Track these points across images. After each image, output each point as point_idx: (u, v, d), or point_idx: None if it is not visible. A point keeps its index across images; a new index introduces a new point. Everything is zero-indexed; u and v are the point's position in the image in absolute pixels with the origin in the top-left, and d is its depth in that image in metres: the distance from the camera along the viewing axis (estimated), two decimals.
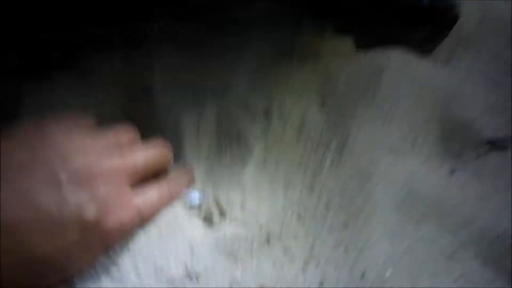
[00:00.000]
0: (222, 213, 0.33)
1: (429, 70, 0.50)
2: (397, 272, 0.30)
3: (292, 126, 0.44)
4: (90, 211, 0.27)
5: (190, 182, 0.36)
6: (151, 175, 0.34)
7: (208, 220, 0.33)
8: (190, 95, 0.49)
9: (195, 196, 0.34)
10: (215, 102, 0.48)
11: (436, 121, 0.44)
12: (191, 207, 0.34)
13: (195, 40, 0.60)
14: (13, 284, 0.25)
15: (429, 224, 0.34)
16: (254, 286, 0.30)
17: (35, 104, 0.44)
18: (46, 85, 0.46)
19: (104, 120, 0.35)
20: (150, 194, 0.32)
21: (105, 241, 0.28)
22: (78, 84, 0.48)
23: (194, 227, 0.32)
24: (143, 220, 0.31)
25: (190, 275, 0.30)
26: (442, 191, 0.37)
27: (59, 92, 0.45)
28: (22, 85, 0.46)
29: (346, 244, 0.32)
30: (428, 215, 0.35)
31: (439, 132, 0.44)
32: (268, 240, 0.32)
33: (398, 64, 0.48)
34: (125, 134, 0.33)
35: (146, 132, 0.44)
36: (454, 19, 0.46)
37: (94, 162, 0.28)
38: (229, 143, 0.42)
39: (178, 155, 0.40)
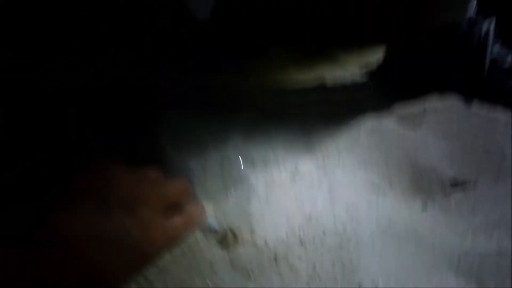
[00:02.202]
0: (235, 237, 0.38)
1: (399, 130, 0.59)
2: (388, 282, 0.35)
3: (287, 171, 0.51)
4: (135, 231, 0.31)
5: (203, 213, 0.42)
6: (176, 205, 0.39)
7: (223, 243, 0.38)
8: (195, 147, 0.56)
9: (213, 222, 0.39)
10: (217, 151, 0.55)
11: (407, 166, 0.53)
12: (211, 231, 0.38)
13: (195, 102, 0.68)
14: None
15: (409, 245, 0.40)
16: None
17: None
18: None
19: None
20: (176, 220, 0.37)
21: (140, 261, 0.33)
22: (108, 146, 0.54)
23: (214, 250, 0.37)
24: (171, 243, 0.36)
25: None
26: (417, 219, 0.44)
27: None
28: None
29: (343, 261, 0.38)
30: (408, 238, 0.41)
31: (410, 175, 0.52)
32: (275, 259, 0.37)
33: (372, 123, 0.58)
34: (153, 172, 0.39)
35: None
36: None
37: (136, 191, 0.34)
38: (234, 184, 0.48)
39: None
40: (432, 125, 0.61)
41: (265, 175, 0.49)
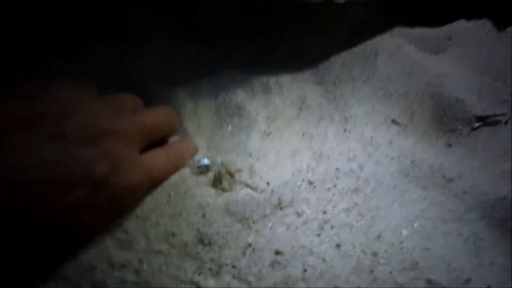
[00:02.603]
0: (231, 177, 0.32)
1: (420, 55, 0.51)
2: (412, 233, 0.30)
3: (292, 100, 0.43)
4: (100, 168, 0.24)
5: (194, 151, 0.34)
6: (157, 140, 0.31)
7: (218, 185, 0.31)
8: (184, 75, 0.48)
9: (203, 159, 0.32)
10: (210, 80, 0.46)
11: (430, 99, 0.45)
12: (200, 169, 0.31)
13: (186, 25, 0.58)
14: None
15: (435, 190, 0.34)
16: (269, 251, 0.28)
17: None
18: (40, 68, 0.43)
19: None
20: (159, 158, 0.30)
21: (114, 203, 0.26)
22: (70, 68, 0.45)
23: (204, 192, 0.30)
24: (152, 183, 0.29)
25: (203, 240, 0.28)
26: (443, 161, 0.37)
27: (51, 75, 0.42)
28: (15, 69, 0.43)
29: (359, 207, 0.32)
30: (434, 182, 0.35)
31: (433, 109, 0.44)
32: (280, 205, 0.31)
33: (392, 47, 0.49)
34: (130, 100, 0.31)
35: None
36: None
37: (103, 120, 0.26)
38: (230, 116, 0.40)
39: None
40: (458, 54, 0.52)
41: (267, 107, 0.41)
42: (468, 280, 0.26)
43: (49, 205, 0.22)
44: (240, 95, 0.43)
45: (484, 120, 0.44)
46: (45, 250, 0.24)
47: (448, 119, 0.44)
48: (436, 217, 0.31)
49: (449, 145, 0.41)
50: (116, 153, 0.25)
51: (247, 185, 0.32)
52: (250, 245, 0.29)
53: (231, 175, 0.32)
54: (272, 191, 0.32)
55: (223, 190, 0.31)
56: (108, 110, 0.27)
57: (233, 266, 0.27)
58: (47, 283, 0.23)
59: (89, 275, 0.23)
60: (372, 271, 0.27)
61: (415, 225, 0.30)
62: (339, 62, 0.47)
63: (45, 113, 0.23)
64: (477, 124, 0.44)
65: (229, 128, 0.38)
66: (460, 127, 0.43)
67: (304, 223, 0.30)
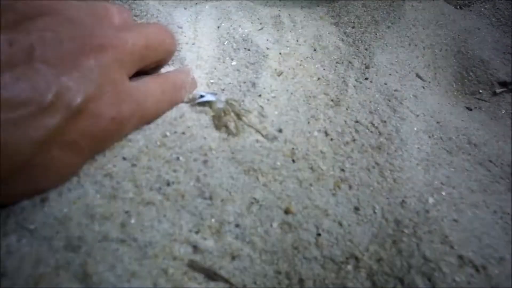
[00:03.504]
0: (238, 119, 0.26)
1: (447, 7, 0.45)
2: (439, 202, 0.26)
3: (306, 39, 0.37)
4: (76, 92, 0.18)
5: (193, 85, 0.28)
6: (150, 64, 0.25)
7: (222, 127, 0.25)
8: None
9: (206, 95, 0.26)
10: (211, 2, 0.39)
11: (454, 56, 0.40)
12: (202, 106, 0.26)
13: None
14: None
15: (461, 156, 0.30)
16: (278, 209, 0.24)
17: None
18: None
19: None
20: (152, 87, 0.23)
21: (95, 138, 0.20)
22: None
23: (206, 134, 0.25)
24: (143, 118, 0.23)
25: (203, 192, 0.23)
26: (467, 125, 0.33)
27: None
28: None
29: (381, 167, 0.27)
30: (460, 146, 0.31)
31: (456, 68, 0.40)
32: (292, 156, 0.26)
33: None
34: (118, 11, 0.24)
35: None
36: None
37: (84, 31, 0.19)
38: (235, 49, 0.34)
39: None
40: (488, 12, 0.47)
41: (278, 43, 0.35)
42: (502, 259, 0.23)
43: (8, 138, 0.16)
44: (247, 26, 0.36)
45: (507, 86, 0.40)
46: (5, 194, 0.18)
47: (469, 81, 0.40)
48: (463, 186, 0.28)
49: (469, 109, 0.37)
50: (98, 75, 0.19)
51: (256, 131, 0.26)
52: (257, 201, 0.24)
53: (239, 116, 0.26)
54: (285, 140, 0.27)
55: (229, 133, 0.25)
56: (92, 20, 0.21)
57: (236, 225, 0.23)
58: (7, 236, 0.18)
59: (62, 228, 0.18)
60: (395, 241, 0.23)
61: (442, 192, 0.26)
62: (358, 2, 0.41)
63: (7, 10, 0.16)
64: (499, 90, 0.40)
65: (233, 62, 0.32)
66: (481, 90, 0.39)
67: (319, 180, 0.26)
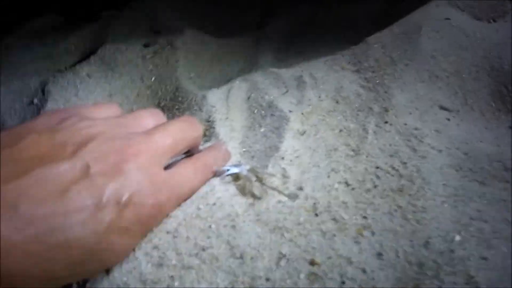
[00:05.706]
0: (262, 184, 0.29)
1: (473, 24, 0.44)
2: (466, 239, 0.25)
3: (328, 94, 0.39)
4: (125, 193, 0.23)
5: (226, 157, 0.33)
6: (183, 151, 0.30)
7: (248, 193, 0.29)
8: (216, 72, 0.46)
9: (232, 167, 0.30)
10: (241, 77, 0.44)
11: (487, 75, 0.39)
12: (231, 177, 0.30)
13: (216, 19, 0.56)
14: (48, 274, 0.22)
15: (495, 185, 0.29)
16: (304, 262, 0.26)
17: (59, 94, 0.42)
18: (71, 76, 0.44)
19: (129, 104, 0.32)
20: (185, 171, 0.28)
21: (143, 224, 0.25)
22: (101, 71, 0.45)
23: (234, 202, 0.28)
24: (179, 198, 0.28)
25: (234, 253, 0.26)
26: (503, 149, 0.32)
27: (83, 82, 0.43)
28: (48, 77, 0.44)
29: (403, 210, 0.28)
30: (494, 174, 0.29)
31: (492, 87, 0.38)
32: (315, 211, 0.28)
33: (438, 19, 0.43)
34: (150, 117, 0.30)
35: (176, 113, 0.41)
36: None
37: (121, 146, 0.25)
38: (263, 116, 0.38)
39: (209, 132, 0.37)
40: None
41: (301, 103, 0.38)
42: None
43: (80, 233, 0.22)
44: (273, 93, 0.40)
45: None
46: (80, 273, 0.23)
47: (511, 97, 0.37)
48: (497, 218, 0.27)
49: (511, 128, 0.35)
50: (137, 174, 0.24)
51: (279, 192, 0.29)
52: (284, 255, 0.26)
53: (261, 181, 0.29)
54: (306, 197, 0.29)
55: (254, 198, 0.29)
56: (127, 134, 0.26)
57: (267, 279, 0.25)
58: None
59: None
60: (417, 285, 0.24)
61: (471, 228, 0.26)
62: (377, 44, 0.42)
63: (62, 145, 0.23)
64: None
65: (262, 129, 0.36)
66: None
67: (342, 229, 0.27)
